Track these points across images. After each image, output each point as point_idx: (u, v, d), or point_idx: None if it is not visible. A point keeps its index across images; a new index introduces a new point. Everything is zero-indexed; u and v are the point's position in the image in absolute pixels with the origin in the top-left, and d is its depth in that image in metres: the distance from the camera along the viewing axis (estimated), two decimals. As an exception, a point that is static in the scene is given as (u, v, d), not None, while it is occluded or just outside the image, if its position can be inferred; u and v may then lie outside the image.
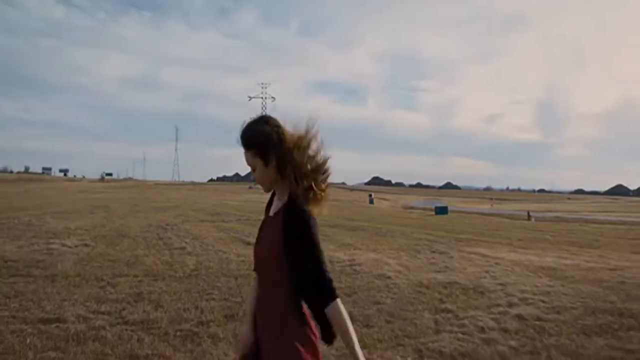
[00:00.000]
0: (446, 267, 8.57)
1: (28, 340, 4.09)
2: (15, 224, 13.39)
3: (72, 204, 26.77)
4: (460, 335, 4.62)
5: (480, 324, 4.98)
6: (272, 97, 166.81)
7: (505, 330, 4.79)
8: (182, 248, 9.90)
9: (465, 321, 5.07)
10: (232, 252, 9.67)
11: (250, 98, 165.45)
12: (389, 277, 7.35)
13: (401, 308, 5.63)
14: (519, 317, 5.25)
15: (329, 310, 1.62)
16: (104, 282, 6.48)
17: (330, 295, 1.62)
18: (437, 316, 5.30)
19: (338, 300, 1.63)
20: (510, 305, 5.81)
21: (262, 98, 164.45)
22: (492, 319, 5.20)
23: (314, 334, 1.72)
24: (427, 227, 19.54)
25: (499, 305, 5.80)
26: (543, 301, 6.00)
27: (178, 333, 4.51)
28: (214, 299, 5.82)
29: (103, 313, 5.06)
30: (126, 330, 4.53)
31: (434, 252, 10.78)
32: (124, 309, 5.24)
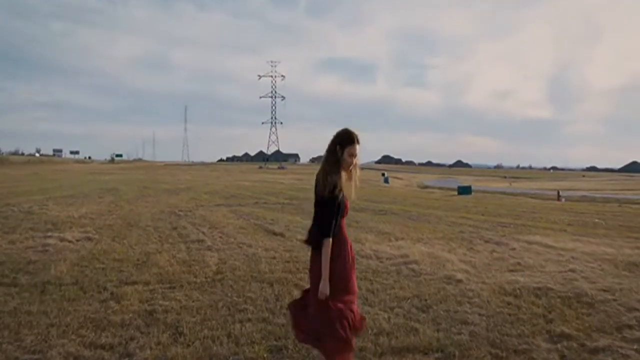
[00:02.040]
0: (518, 263, 7.12)
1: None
2: (13, 213, 12.12)
3: (79, 187, 25.61)
4: (617, 386, 3.19)
5: (630, 362, 3.55)
6: (282, 76, 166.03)
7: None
8: (200, 241, 8.53)
9: (607, 357, 3.64)
10: (259, 245, 8.29)
11: (260, 77, 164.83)
12: (460, 281, 5.92)
13: (500, 331, 4.21)
14: (675, 348, 3.80)
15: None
16: (106, 293, 5.11)
17: None
18: (558, 346, 3.88)
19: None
20: (644, 326, 4.36)
21: (271, 77, 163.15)
22: (639, 351, 3.77)
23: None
24: (459, 209, 18.06)
25: (630, 326, 4.34)
26: (682, 318, 4.54)
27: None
28: (249, 318, 4.43)
29: (103, 347, 3.69)
30: (134, 381, 3.16)
31: (487, 242, 9.33)
32: (131, 339, 3.86)
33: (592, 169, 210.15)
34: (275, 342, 3.89)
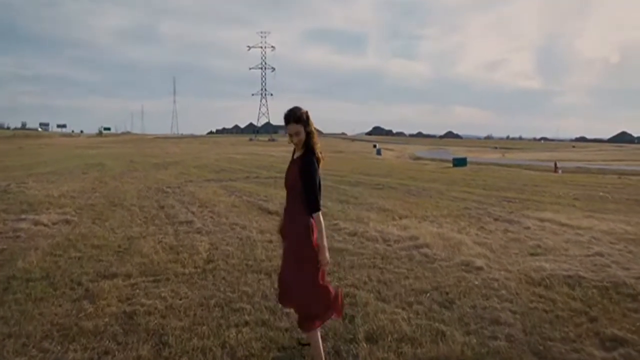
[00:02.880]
0: (537, 246, 6.53)
1: None
2: (-12, 191, 11.30)
3: (64, 163, 24.64)
4: None
5: None
6: (272, 47, 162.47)
7: None
8: (189, 222, 7.84)
9: (677, 370, 3.05)
10: (253, 226, 7.62)
11: (250, 48, 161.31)
12: (480, 268, 5.30)
13: (541, 334, 3.60)
14: None
15: (315, 216, 2.98)
16: (80, 290, 4.44)
17: (314, 208, 2.97)
18: (615, 355, 3.28)
19: (319, 212, 2.97)
20: None
21: (261, 47, 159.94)
22: None
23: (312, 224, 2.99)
24: (458, 182, 17.46)
25: (688, 326, 3.76)
26: None
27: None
28: (246, 321, 3.78)
29: (70, 366, 3.03)
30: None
31: (497, 220, 8.74)
32: (105, 354, 3.20)
33: (582, 139, 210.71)
34: (278, 354, 3.26)
